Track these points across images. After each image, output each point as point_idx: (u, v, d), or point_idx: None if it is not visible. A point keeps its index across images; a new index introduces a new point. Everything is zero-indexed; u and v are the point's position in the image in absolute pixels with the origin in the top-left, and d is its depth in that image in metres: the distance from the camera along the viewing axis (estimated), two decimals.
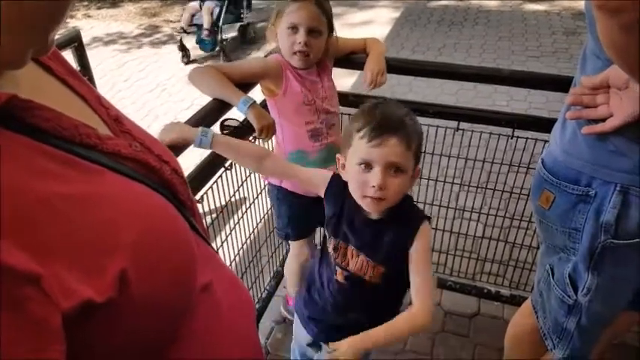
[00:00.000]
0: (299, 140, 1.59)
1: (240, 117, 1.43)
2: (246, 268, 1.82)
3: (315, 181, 1.21)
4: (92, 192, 0.45)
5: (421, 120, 1.76)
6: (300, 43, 1.45)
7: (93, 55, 3.63)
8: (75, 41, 2.15)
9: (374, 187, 1.03)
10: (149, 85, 4.74)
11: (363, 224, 1.13)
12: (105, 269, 0.42)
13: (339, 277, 1.18)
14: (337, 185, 1.15)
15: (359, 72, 1.68)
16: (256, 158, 1.21)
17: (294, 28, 1.45)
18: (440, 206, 2.04)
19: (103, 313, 0.42)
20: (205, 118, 1.34)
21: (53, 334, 0.37)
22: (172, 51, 5.52)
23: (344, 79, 1.64)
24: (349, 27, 5.44)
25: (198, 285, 0.56)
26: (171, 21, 6.54)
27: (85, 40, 2.45)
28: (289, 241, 1.87)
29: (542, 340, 1.34)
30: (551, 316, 1.26)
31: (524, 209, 1.91)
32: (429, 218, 1.14)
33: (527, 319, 1.43)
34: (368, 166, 1.03)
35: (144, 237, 0.47)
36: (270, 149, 1.76)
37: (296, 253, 1.85)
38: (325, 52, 1.56)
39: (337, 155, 1.15)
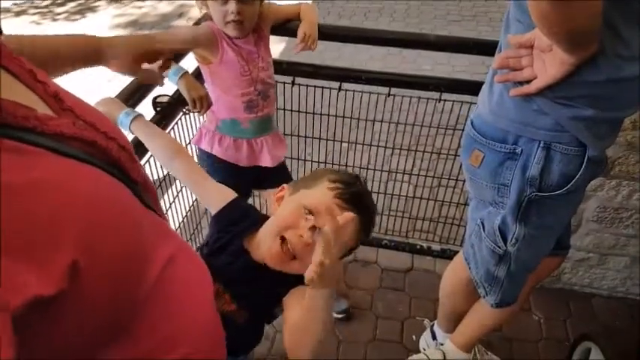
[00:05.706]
0: (233, 110, 1.57)
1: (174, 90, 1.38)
2: (187, 241, 1.79)
3: (214, 198, 1.06)
4: (35, 179, 0.41)
5: (354, 87, 1.81)
6: (232, 13, 1.41)
7: (3, 27, 3.31)
8: None
9: (302, 236, 0.89)
10: None
11: (244, 269, 0.98)
12: (53, 260, 0.40)
13: None
14: (230, 214, 1.02)
15: (289, 38, 1.67)
16: (167, 154, 1.09)
17: None
18: (374, 170, 2.10)
19: (54, 307, 0.40)
20: (135, 92, 1.29)
21: (4, 332, 0.35)
22: (89, 24, 5.15)
23: (273, 46, 1.63)
24: None
25: (159, 261, 0.54)
26: None
27: None
28: None
29: (474, 290, 1.45)
30: (483, 267, 1.35)
31: (451, 169, 2.02)
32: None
33: (460, 271, 1.52)
34: (311, 213, 0.91)
35: (92, 223, 0.44)
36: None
37: None
38: (262, 18, 1.53)
39: (284, 185, 1.03)
